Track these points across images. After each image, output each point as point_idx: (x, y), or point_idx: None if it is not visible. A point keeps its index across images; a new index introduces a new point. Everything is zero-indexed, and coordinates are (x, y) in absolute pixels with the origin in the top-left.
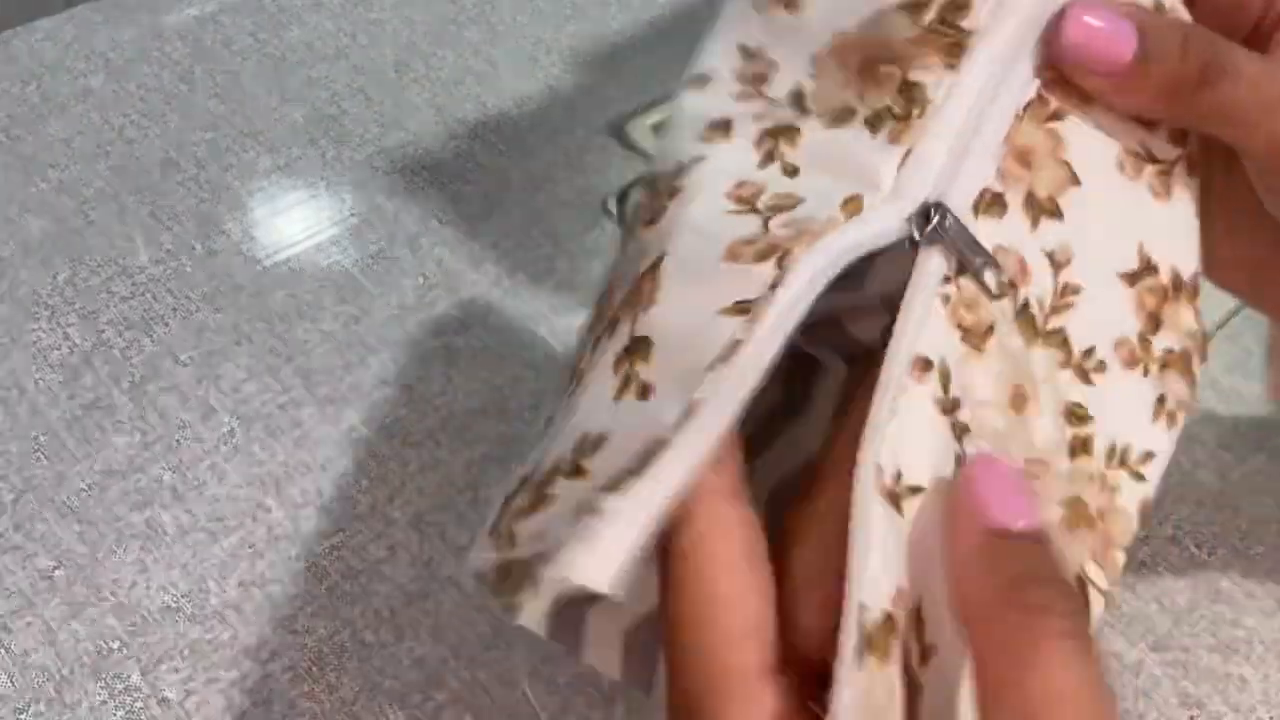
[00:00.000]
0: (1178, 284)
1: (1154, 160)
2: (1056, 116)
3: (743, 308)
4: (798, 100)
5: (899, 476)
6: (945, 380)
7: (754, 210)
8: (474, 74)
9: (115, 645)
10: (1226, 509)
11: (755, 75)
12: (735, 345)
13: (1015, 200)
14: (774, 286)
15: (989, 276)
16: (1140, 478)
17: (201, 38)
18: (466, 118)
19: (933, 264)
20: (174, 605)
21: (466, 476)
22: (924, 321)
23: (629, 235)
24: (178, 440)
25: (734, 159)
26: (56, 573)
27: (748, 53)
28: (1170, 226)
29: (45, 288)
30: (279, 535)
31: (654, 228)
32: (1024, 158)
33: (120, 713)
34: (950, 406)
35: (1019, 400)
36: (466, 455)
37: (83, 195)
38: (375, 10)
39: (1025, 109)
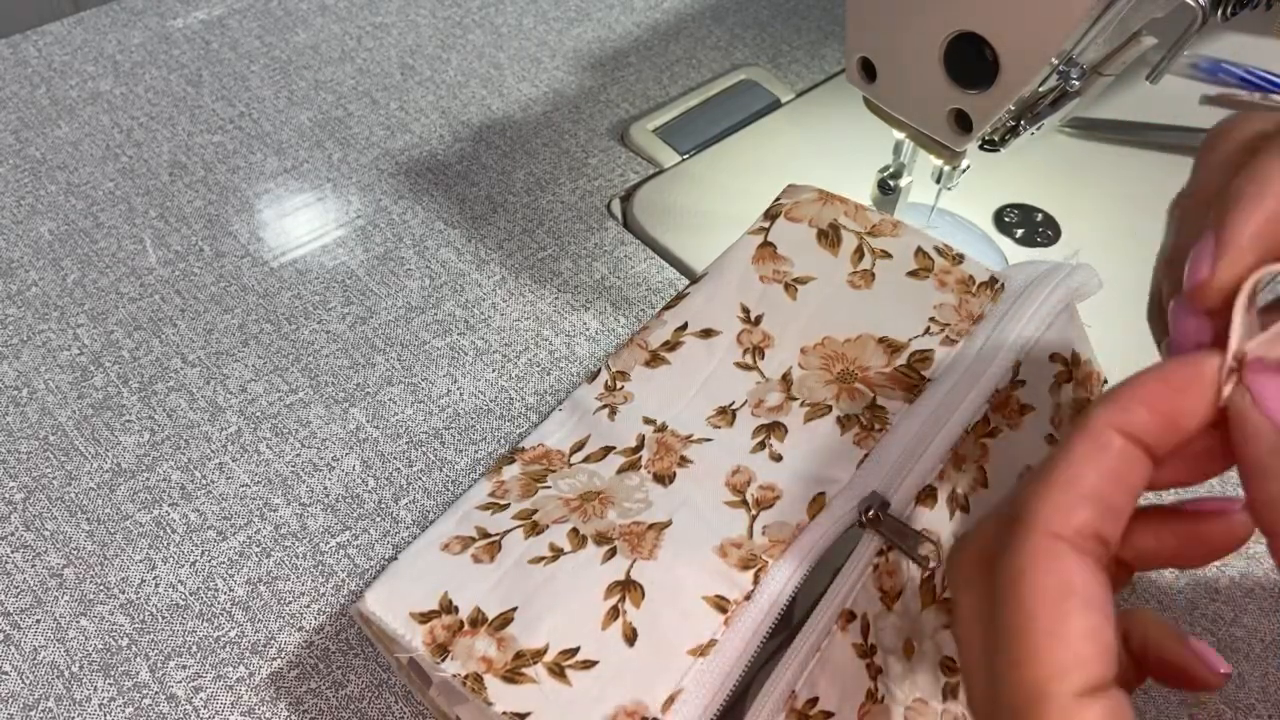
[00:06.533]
0: None
1: None
2: (992, 434)
3: (721, 603)
4: (786, 384)
5: (813, 702)
6: (865, 630)
7: (744, 503)
8: (478, 77)
9: (124, 642)
10: None
11: (755, 348)
12: (712, 643)
13: (943, 495)
14: (748, 597)
15: (915, 552)
16: None
17: (209, 41)
18: (471, 120)
19: (872, 542)
20: (182, 603)
21: (471, 476)
22: (856, 585)
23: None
24: (186, 440)
25: (734, 441)
26: (66, 570)
27: (748, 316)
28: None
29: (55, 289)
30: (286, 534)
31: (662, 465)
32: (959, 463)
33: (129, 709)
34: (869, 651)
35: (909, 649)
36: (472, 454)
37: (92, 197)
38: (381, 14)
39: (974, 426)
